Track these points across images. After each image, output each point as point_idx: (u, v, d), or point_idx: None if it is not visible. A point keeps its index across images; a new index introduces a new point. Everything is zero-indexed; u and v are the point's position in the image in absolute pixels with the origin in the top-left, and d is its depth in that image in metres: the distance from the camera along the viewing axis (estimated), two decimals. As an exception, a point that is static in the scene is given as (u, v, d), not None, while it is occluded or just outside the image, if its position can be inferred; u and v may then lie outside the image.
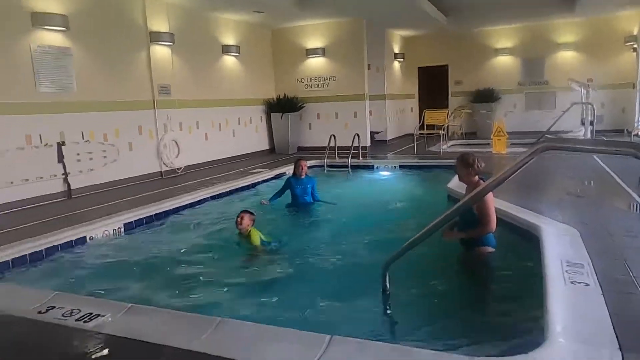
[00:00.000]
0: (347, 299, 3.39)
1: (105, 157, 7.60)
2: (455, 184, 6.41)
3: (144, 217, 5.80)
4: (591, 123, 11.40)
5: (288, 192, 6.45)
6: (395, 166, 9.45)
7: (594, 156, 8.62)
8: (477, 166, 3.94)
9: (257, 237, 4.69)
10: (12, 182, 6.24)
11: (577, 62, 14.41)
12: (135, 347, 2.49)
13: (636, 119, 11.67)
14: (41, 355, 2.53)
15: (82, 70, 7.24)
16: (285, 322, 2.69)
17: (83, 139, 7.27)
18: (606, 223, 4.47)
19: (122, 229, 5.43)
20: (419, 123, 12.92)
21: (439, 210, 3.03)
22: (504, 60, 15.29)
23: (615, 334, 2.35)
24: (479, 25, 14.76)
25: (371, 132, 12.42)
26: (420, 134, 11.88)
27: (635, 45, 12.94)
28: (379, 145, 12.79)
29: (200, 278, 4.05)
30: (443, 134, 11.46)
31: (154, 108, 8.61)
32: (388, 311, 2.95)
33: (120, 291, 3.73)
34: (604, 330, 2.40)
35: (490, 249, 3.90)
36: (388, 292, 3.22)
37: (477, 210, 3.78)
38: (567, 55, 14.52)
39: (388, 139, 13.69)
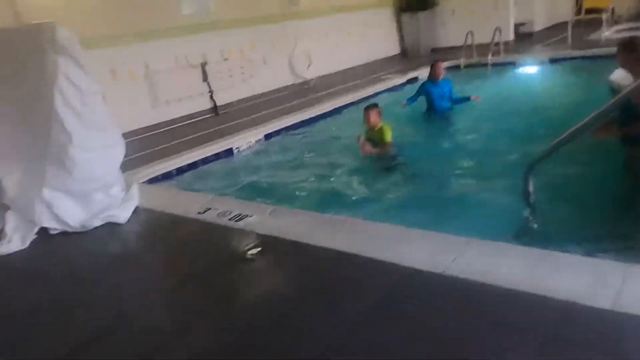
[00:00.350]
0: (485, 202, 3.26)
1: (243, 73, 7.99)
2: (620, 75, 5.51)
3: (281, 129, 6.12)
4: None
5: (423, 98, 6.08)
6: (544, 60, 8.40)
7: None
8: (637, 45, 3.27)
9: (389, 133, 4.53)
10: (168, 101, 6.94)
11: None
12: (281, 244, 2.73)
13: None
14: (202, 249, 2.92)
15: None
16: (422, 225, 2.68)
17: (223, 57, 7.69)
18: None
19: (262, 139, 5.81)
20: (577, 6, 11.09)
21: (599, 106, 2.61)
22: None
23: None
24: None
25: (515, 24, 11.06)
26: (576, 20, 10.23)
27: None
28: (524, 38, 11.38)
29: (337, 181, 4.21)
30: (606, 18, 9.72)
31: (284, 20, 8.67)
32: (529, 216, 2.75)
33: (264, 194, 4.07)
34: None
35: None
36: (531, 197, 2.99)
37: (638, 102, 3.18)
38: None
39: (535, 30, 12.08)
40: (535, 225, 2.74)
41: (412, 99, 6.11)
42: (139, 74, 6.63)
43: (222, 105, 7.61)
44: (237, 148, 5.52)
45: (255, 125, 6.06)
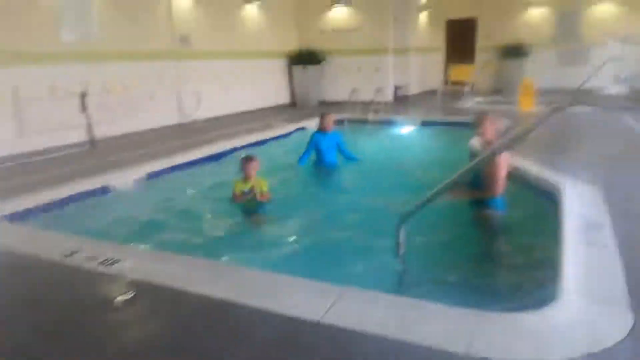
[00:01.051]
0: (362, 252, 3.44)
1: (126, 107, 7.65)
2: (477, 141, 6.30)
3: (165, 168, 5.89)
4: (626, 80, 10.91)
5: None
6: (417, 122, 9.29)
7: (623, 115, 8.32)
8: (494, 125, 3.86)
9: (265, 184, 4.52)
10: (39, 130, 6.36)
11: (615, 15, 13.63)
12: (156, 291, 2.59)
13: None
14: (67, 296, 2.66)
15: (102, 20, 7.20)
16: (299, 273, 2.75)
17: (105, 88, 7.31)
18: (631, 185, 4.36)
19: (144, 178, 5.54)
20: (444, 78, 12.58)
21: (459, 168, 2.99)
22: (536, 13, 14.58)
23: (629, 295, 2.34)
24: (512, -25, 14.03)
25: (394, 87, 12.17)
26: (444, 89, 11.59)
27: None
28: (401, 100, 12.54)
29: (216, 227, 4.14)
30: (468, 90, 11.15)
31: (175, 59, 8.57)
32: (401, 265, 2.98)
33: (140, 238, 3.85)
34: (617, 291, 2.39)
35: (496, 213, 3.85)
36: (402, 247, 3.24)
37: (485, 171, 3.72)
38: (604, 9, 13.74)
39: (411, 94, 13.40)
40: (405, 275, 2.96)
41: (305, 154, 6.00)
42: (5, 98, 6.02)
43: (101, 139, 7.17)
44: (114, 186, 5.19)
45: (136, 163, 5.78)
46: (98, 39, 7.13)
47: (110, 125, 7.36)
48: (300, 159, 6.00)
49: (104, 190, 5.05)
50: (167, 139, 7.62)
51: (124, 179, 5.31)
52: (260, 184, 4.54)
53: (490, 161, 3.50)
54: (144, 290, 2.59)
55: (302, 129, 8.77)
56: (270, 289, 2.56)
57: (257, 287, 2.59)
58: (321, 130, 6.05)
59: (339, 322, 2.18)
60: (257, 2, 10.56)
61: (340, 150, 6.10)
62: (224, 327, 2.24)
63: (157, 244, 3.64)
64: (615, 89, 11.38)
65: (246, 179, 4.51)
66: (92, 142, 7.03)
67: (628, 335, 2.01)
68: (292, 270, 2.84)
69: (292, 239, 3.85)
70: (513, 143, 2.28)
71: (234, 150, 7.06)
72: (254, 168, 4.51)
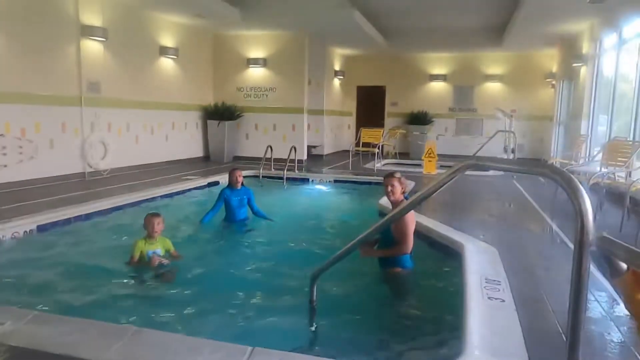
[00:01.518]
0: (274, 311, 3.33)
1: (21, 153, 7.05)
2: (386, 200, 6.57)
3: (59, 220, 5.41)
4: (513, 150, 12.18)
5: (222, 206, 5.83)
6: (330, 180, 9.53)
7: (514, 181, 9.21)
8: (401, 185, 4.07)
9: (169, 242, 4.30)
10: None
11: (503, 93, 15.43)
12: (41, 358, 2.28)
13: (552, 149, 12.60)
14: None
15: (0, 58, 6.72)
16: (207, 334, 2.59)
17: (-3, 132, 6.72)
18: (522, 243, 4.75)
19: (34, 231, 5.03)
20: (355, 140, 13.18)
21: (369, 226, 3.08)
22: (438, 86, 16.05)
23: (526, 347, 2.47)
24: (415, 50, 15.42)
25: (308, 146, 12.50)
26: (356, 150, 12.11)
27: (553, 82, 14.04)
28: (315, 159, 12.88)
29: (113, 287, 3.81)
30: (377, 152, 11.75)
31: (81, 105, 8.14)
32: (313, 324, 2.93)
33: (25, 297, 3.43)
34: (516, 344, 2.52)
35: (404, 271, 3.98)
36: (314, 305, 3.20)
37: (394, 229, 3.87)
38: (494, 86, 15.52)
39: (324, 153, 13.84)
40: (317, 333, 2.90)
41: (212, 211, 5.74)
42: None
43: (-14, 186, 6.48)
44: (-2, 238, 4.65)
45: (27, 214, 5.25)
46: (-6, 79, 6.61)
47: (2, 171, 6.70)
48: (205, 217, 5.69)
49: (-15, 243, 4.50)
50: (65, 189, 7.07)
51: (9, 231, 4.78)
52: (165, 243, 4.27)
53: (399, 220, 3.65)
54: (25, 358, 2.27)
55: (216, 183, 8.61)
56: (173, 351, 2.36)
57: (158, 350, 2.38)
58: (231, 186, 5.92)
59: (247, 386, 2.05)
60: (172, 57, 10.51)
61: (250, 206, 5.98)
62: (118, 398, 2.00)
63: (43, 305, 3.26)
64: (504, 157, 12.65)
65: (150, 238, 4.16)
66: (-24, 190, 6.34)
67: (527, 387, 2.10)
68: (198, 332, 2.67)
69: (197, 297, 3.64)
70: (419, 202, 2.39)
71: (139, 202, 6.71)
72: (160, 225, 4.17)
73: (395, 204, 4.07)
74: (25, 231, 4.95)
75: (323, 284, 3.29)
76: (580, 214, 1.54)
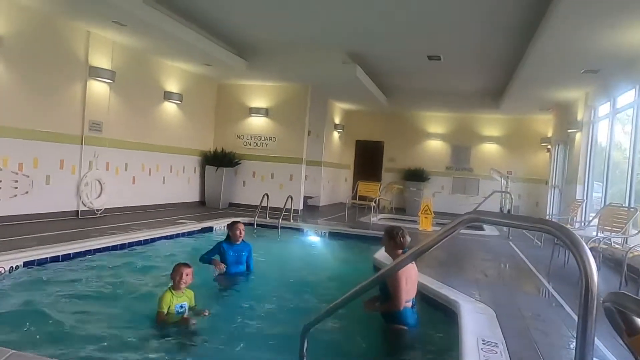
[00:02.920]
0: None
1: (16, 187, 6.99)
2: (381, 255, 6.48)
3: (49, 257, 5.29)
4: (509, 211, 12.20)
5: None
6: (325, 232, 9.45)
7: (509, 242, 9.15)
8: (401, 239, 4.02)
9: (192, 294, 3.95)
10: None
11: (499, 154, 15.67)
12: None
13: (548, 212, 12.63)
14: None
15: (5, 94, 6.80)
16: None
17: (-6, 165, 6.69)
18: (519, 305, 4.64)
19: (21, 267, 4.90)
20: (352, 193, 13.21)
21: (363, 280, 3.00)
22: (435, 144, 16.30)
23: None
24: (414, 109, 15.80)
25: (305, 196, 12.49)
26: (352, 203, 12.11)
27: (549, 146, 14.30)
28: (311, 210, 12.84)
29: (94, 328, 3.66)
30: (374, 206, 11.74)
31: (81, 143, 8.18)
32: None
33: (4, 334, 3.28)
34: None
35: (404, 327, 3.88)
36: (305, 358, 3.07)
37: (389, 284, 3.80)
38: (490, 147, 15.78)
39: (321, 205, 13.81)
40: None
41: (208, 255, 5.36)
42: None
43: (-24, 219, 6.38)
44: (-19, 272, 4.51)
45: (13, 249, 5.13)
46: (-2, 113, 6.66)
47: (-8, 205, 6.62)
48: (203, 258, 5.33)
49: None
50: (57, 226, 6.97)
51: (-4, 266, 4.65)
52: (190, 295, 3.91)
53: (392, 275, 3.58)
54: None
55: (209, 229, 8.52)
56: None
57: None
58: (230, 240, 5.41)
59: None
60: (176, 102, 10.70)
61: (247, 262, 5.54)
62: None
63: (23, 343, 3.11)
64: (500, 218, 12.63)
65: (177, 289, 3.76)
66: (-35, 222, 6.23)
67: None
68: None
69: (184, 348, 3.49)
70: (417, 256, 2.34)
71: (133, 244, 6.60)
72: (189, 277, 3.77)
73: (394, 258, 4.01)
74: (11, 267, 4.81)
75: (316, 336, 3.16)
76: (584, 270, 1.50)
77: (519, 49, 8.66)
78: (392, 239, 4.03)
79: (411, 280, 3.93)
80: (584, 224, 8.41)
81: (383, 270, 2.78)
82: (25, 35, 7.00)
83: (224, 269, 5.25)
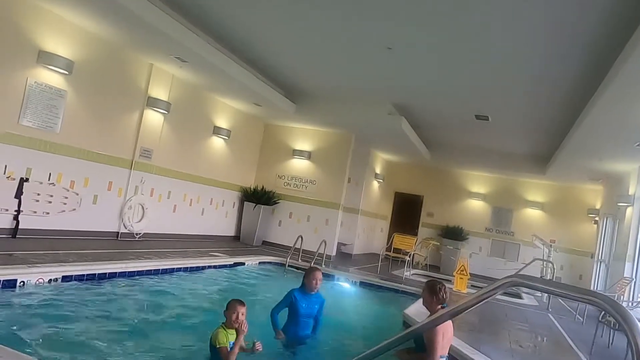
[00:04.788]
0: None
1: (65, 203, 7.30)
2: (412, 311, 6.30)
3: (85, 274, 5.43)
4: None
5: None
6: (356, 281, 9.29)
7: (549, 315, 8.68)
8: (443, 295, 3.94)
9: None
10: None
11: (542, 221, 15.16)
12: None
13: (592, 287, 11.97)
14: None
15: (70, 115, 7.23)
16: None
17: (49, 180, 7.04)
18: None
19: (60, 280, 5.04)
20: (387, 245, 13.01)
21: (391, 332, 2.92)
22: (476, 204, 15.98)
23: None
24: (457, 166, 15.65)
25: (339, 243, 12.40)
26: (386, 255, 11.91)
27: (596, 218, 13.73)
28: (344, 257, 12.70)
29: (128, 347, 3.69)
30: (408, 261, 11.50)
31: (131, 168, 8.52)
32: None
33: (37, 345, 3.34)
34: None
35: None
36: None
37: (426, 338, 3.71)
38: (533, 213, 15.32)
39: (354, 253, 13.65)
40: None
41: (278, 311, 4.61)
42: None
43: (24, 230, 6.66)
44: (22, 282, 4.67)
45: (56, 262, 5.31)
46: (59, 132, 7.07)
47: (39, 218, 6.91)
48: (273, 313, 4.59)
49: (11, 283, 4.52)
50: (98, 244, 7.19)
51: (36, 276, 4.81)
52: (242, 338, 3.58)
53: (430, 330, 3.48)
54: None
55: (241, 264, 8.55)
56: None
57: None
58: (304, 289, 4.63)
59: None
60: (224, 137, 11.04)
61: (317, 319, 4.77)
62: None
63: (53, 353, 3.16)
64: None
65: (229, 328, 3.53)
66: (15, 231, 6.51)
67: None
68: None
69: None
70: (455, 314, 2.27)
71: (169, 270, 6.71)
72: (243, 317, 3.54)
73: (432, 312, 3.92)
74: (50, 279, 4.96)
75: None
76: (636, 349, 1.41)
77: (570, 116, 8.54)
78: (434, 293, 3.95)
79: (447, 337, 3.84)
80: (632, 303, 7.91)
81: (421, 323, 2.69)
82: (94, 62, 7.50)
83: (283, 339, 4.47)
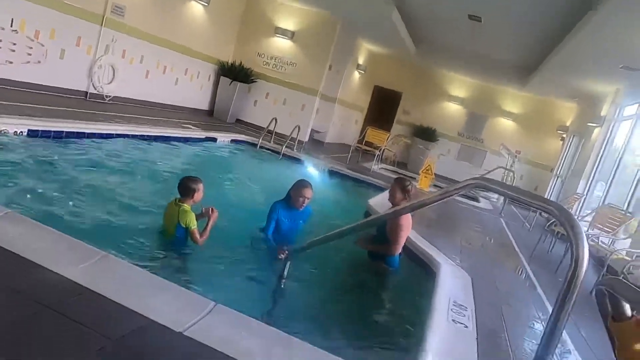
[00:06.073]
0: (246, 278, 3.32)
1: (29, 54, 6.88)
2: (375, 202, 6.57)
3: (52, 130, 5.31)
4: (507, 189, 12.23)
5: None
6: (325, 169, 9.49)
7: (501, 219, 9.26)
8: (409, 192, 4.09)
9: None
10: None
11: (513, 132, 15.48)
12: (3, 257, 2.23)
13: (544, 199, 12.67)
14: None
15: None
16: (174, 280, 2.53)
17: (11, 27, 6.54)
18: (495, 278, 4.78)
19: (25, 135, 4.93)
20: (360, 137, 13.14)
21: (352, 222, 3.06)
22: (453, 107, 16.04)
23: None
24: (441, 66, 15.38)
25: (312, 129, 12.42)
26: (357, 147, 12.07)
27: (564, 135, 14.11)
28: (316, 144, 12.81)
29: (93, 208, 3.76)
30: (378, 155, 11.72)
31: (102, 24, 7.97)
32: (279, 297, 2.91)
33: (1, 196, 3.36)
34: (469, 370, 2.53)
35: (389, 269, 4.05)
36: (284, 280, 3.19)
37: (389, 229, 3.92)
38: (506, 123, 15.57)
39: (326, 141, 13.76)
40: (280, 307, 2.88)
41: (268, 228, 4.04)
42: None
43: (-13, 78, 6.33)
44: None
45: (20, 115, 5.14)
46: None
47: (6, 67, 6.54)
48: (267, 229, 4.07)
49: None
50: (65, 102, 6.95)
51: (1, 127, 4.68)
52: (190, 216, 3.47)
53: (395, 221, 3.69)
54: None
55: (213, 139, 8.53)
56: (136, 285, 2.33)
57: (121, 280, 2.34)
58: (289, 204, 4.07)
59: (202, 338, 2.03)
60: (203, 3, 10.29)
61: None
62: (72, 312, 1.96)
63: (19, 206, 3.20)
64: (495, 196, 12.71)
65: (189, 205, 3.44)
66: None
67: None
68: (166, 275, 2.62)
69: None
70: (417, 208, 2.38)
71: (139, 136, 6.62)
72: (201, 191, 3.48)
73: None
74: (16, 132, 4.84)
75: (299, 262, 3.27)
76: (576, 255, 1.53)
77: (563, 28, 8.31)
78: (404, 189, 4.11)
79: (408, 231, 4.07)
80: (578, 218, 8.47)
81: (384, 214, 2.85)
82: None
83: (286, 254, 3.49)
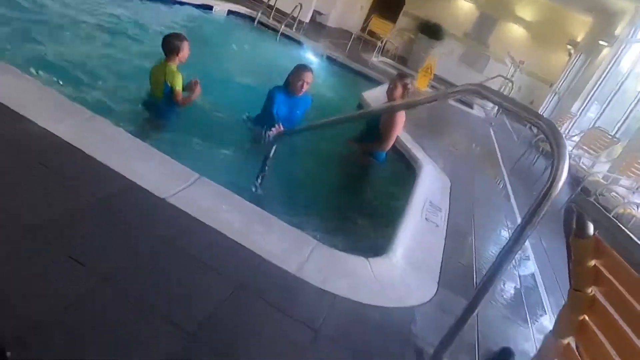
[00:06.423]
0: (229, 152, 3.35)
1: None
2: (370, 95, 6.48)
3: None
4: (502, 100, 12.09)
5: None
6: (323, 54, 9.17)
7: (491, 129, 9.31)
8: (409, 89, 4.00)
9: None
10: None
11: (521, 40, 14.93)
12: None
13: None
14: None
15: None
16: (163, 149, 2.54)
17: None
18: (474, 185, 4.93)
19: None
20: (363, 25, 12.54)
21: (344, 112, 3.04)
22: (464, 5, 15.20)
23: (440, 271, 2.66)
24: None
25: (314, 10, 11.76)
26: (359, 36, 11.57)
27: (572, 51, 13.68)
28: (317, 26, 12.21)
29: (78, 54, 3.64)
30: (379, 47, 11.30)
31: None
32: (263, 178, 2.97)
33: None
34: (433, 265, 2.71)
35: (374, 162, 4.11)
36: (269, 162, 3.23)
37: (383, 125, 3.89)
38: (516, 30, 14.92)
39: (328, 24, 13.13)
40: (264, 186, 2.97)
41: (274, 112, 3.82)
42: None
43: None
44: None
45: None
46: None
47: None
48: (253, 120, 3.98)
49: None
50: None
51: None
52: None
53: (390, 117, 3.65)
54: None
55: (209, 7, 8.05)
56: (122, 149, 2.35)
57: (107, 140, 2.35)
58: (287, 89, 3.80)
59: (184, 206, 2.11)
60: None
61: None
62: (57, 166, 2.00)
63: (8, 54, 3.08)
64: (490, 105, 12.60)
65: (169, 63, 3.39)
66: None
67: (429, 301, 2.31)
68: (153, 143, 2.63)
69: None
70: (413, 106, 2.36)
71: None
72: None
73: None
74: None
75: (287, 146, 3.31)
76: (555, 170, 1.56)
77: None
78: (404, 85, 3.97)
79: (400, 128, 4.04)
80: (566, 137, 8.55)
81: (379, 108, 2.82)
82: None
83: (281, 131, 3.50)
